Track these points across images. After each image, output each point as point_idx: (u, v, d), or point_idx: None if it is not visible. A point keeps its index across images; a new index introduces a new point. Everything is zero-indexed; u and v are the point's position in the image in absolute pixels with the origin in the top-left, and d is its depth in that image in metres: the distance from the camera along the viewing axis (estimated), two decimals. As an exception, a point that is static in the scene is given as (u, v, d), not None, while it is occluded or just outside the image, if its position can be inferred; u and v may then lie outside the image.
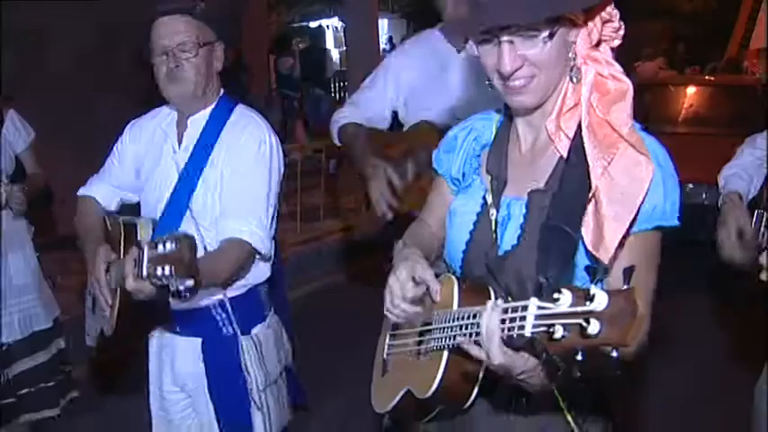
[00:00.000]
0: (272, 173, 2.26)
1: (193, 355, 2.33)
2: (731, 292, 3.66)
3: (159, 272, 1.66)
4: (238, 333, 2.31)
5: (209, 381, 2.31)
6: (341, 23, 21.28)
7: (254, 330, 2.35)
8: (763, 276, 1.77)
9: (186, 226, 2.23)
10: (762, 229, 2.35)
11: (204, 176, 2.24)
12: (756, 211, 2.40)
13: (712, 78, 10.12)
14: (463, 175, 1.63)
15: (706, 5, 20.43)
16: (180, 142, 2.32)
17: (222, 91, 2.36)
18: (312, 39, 15.46)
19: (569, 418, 1.47)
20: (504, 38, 1.35)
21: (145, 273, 1.69)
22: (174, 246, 1.64)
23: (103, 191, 2.48)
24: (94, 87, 6.30)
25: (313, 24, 22.13)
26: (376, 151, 2.86)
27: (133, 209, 2.51)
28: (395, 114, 3.04)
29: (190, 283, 1.65)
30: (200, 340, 2.32)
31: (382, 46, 14.70)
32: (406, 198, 2.80)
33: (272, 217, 2.29)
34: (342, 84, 16.64)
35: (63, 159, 3.78)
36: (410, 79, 2.92)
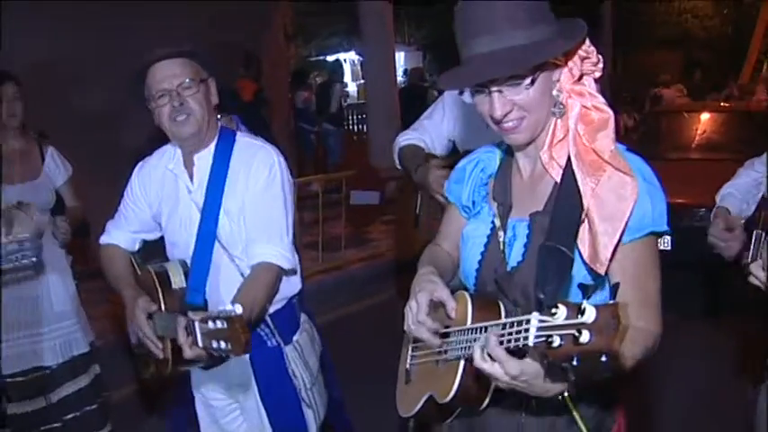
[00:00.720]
0: (285, 192, 2.42)
1: (242, 367, 2.47)
2: (736, 309, 3.78)
3: (215, 345, 1.81)
4: (282, 344, 2.48)
5: (260, 390, 2.47)
6: (358, 57, 21.67)
7: (295, 338, 2.52)
8: (752, 280, 1.92)
9: (218, 258, 2.38)
10: (760, 248, 2.49)
11: (225, 208, 2.37)
12: (755, 232, 2.54)
13: (726, 105, 10.21)
14: (473, 202, 1.81)
15: (721, 32, 20.60)
16: (192, 180, 2.44)
17: (219, 125, 2.49)
18: (329, 73, 15.69)
19: (576, 416, 1.62)
20: (493, 88, 1.54)
21: (201, 345, 1.87)
22: (225, 325, 1.77)
23: (123, 237, 2.61)
24: (126, 123, 6.53)
25: (330, 58, 22.51)
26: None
27: (156, 243, 2.65)
28: (453, 144, 3.23)
29: (246, 355, 1.79)
30: (247, 354, 2.44)
31: (399, 78, 14.94)
32: None
33: (292, 232, 2.44)
34: (359, 117, 16.88)
35: (96, 193, 3.98)
36: (465, 111, 3.09)
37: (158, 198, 2.52)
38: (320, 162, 12.19)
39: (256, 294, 2.28)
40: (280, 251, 2.35)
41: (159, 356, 2.25)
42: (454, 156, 3.05)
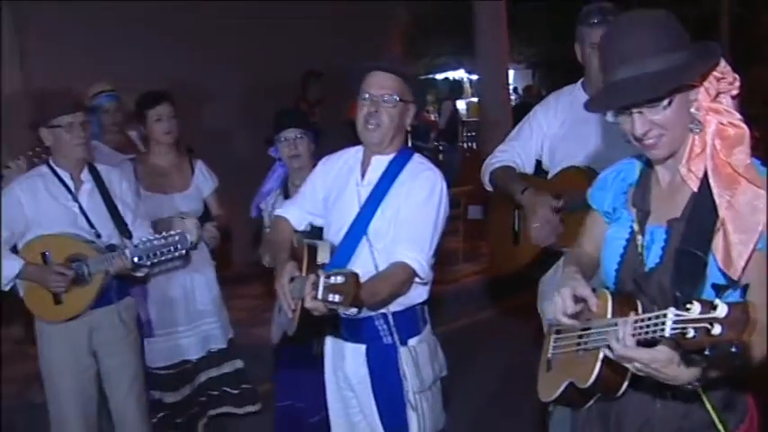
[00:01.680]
0: (439, 212, 2.64)
1: (359, 359, 2.70)
2: None
3: (331, 298, 2.14)
4: (397, 343, 2.67)
5: (372, 382, 2.68)
6: (466, 75, 21.80)
7: (411, 342, 2.70)
8: None
9: (360, 247, 2.64)
10: None
11: (382, 207, 2.63)
12: None
13: None
14: (614, 209, 1.97)
15: None
16: (363, 177, 2.73)
17: (403, 141, 2.77)
18: (442, 91, 15.93)
19: (708, 406, 1.73)
20: (634, 110, 1.71)
21: (320, 296, 2.17)
22: (344, 280, 2.13)
23: (295, 214, 2.91)
24: (253, 138, 6.93)
25: (439, 77, 22.74)
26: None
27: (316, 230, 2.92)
28: (537, 162, 3.36)
29: (353, 311, 2.15)
30: (364, 346, 2.69)
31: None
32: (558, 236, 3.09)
33: (435, 249, 2.66)
34: (469, 134, 17.01)
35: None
36: (554, 130, 3.24)
37: (332, 184, 2.82)
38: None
39: (383, 284, 2.52)
40: (418, 258, 2.57)
41: (290, 316, 2.52)
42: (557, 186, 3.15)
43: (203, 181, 4.08)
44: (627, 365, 1.63)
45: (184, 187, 3.99)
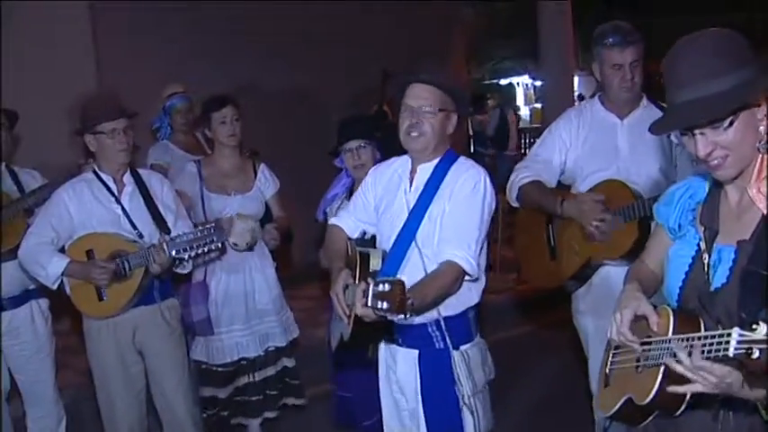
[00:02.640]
0: (484, 208, 2.68)
1: (411, 363, 2.76)
2: None
3: (379, 305, 2.21)
4: (450, 348, 2.71)
5: (422, 387, 2.73)
6: (531, 81, 21.60)
7: (463, 347, 2.73)
8: None
9: (410, 252, 2.69)
10: None
11: (429, 212, 2.69)
12: None
13: None
14: (679, 225, 1.95)
15: None
16: (411, 185, 2.78)
17: (448, 147, 2.81)
18: (500, 97, 15.77)
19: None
20: (696, 132, 1.70)
21: (369, 303, 2.24)
22: (390, 287, 2.21)
23: (349, 222, 2.97)
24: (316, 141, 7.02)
25: (503, 82, 22.59)
26: None
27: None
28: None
29: (400, 317, 2.24)
30: (417, 352, 2.74)
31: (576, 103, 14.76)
32: (598, 247, 3.13)
33: (482, 245, 2.70)
34: (532, 140, 16.86)
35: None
36: (578, 145, 3.29)
37: (383, 193, 2.89)
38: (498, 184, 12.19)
39: (432, 285, 2.57)
40: (466, 255, 2.60)
41: (345, 321, 2.58)
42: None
43: (265, 183, 4.15)
44: (695, 379, 1.60)
45: (246, 189, 4.06)
